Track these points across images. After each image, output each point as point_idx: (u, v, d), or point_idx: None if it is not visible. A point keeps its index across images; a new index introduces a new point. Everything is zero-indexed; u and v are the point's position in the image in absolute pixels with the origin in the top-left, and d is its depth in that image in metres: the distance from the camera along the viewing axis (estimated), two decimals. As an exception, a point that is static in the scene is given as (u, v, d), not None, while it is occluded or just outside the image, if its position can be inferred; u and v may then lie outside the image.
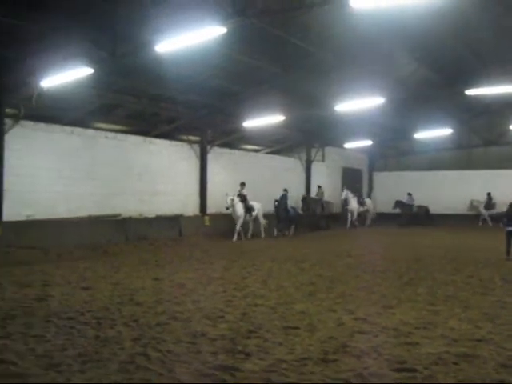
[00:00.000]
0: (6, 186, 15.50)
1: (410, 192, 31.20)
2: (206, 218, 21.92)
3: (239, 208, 20.82)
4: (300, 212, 25.75)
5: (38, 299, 8.94)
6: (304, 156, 29.97)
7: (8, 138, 15.77)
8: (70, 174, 17.14)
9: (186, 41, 11.30)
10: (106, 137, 19.29)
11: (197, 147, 22.96)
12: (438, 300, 8.97)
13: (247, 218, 21.41)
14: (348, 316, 7.74)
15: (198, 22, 10.64)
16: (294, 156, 29.60)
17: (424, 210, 31.56)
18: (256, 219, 22.29)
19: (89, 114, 18.65)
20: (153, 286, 10.31)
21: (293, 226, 24.09)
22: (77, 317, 7.74)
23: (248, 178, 22.80)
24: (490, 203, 30.49)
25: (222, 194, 20.76)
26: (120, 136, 19.90)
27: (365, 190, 34.97)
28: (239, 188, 21.64)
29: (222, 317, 7.76)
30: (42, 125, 16.99)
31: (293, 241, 21.31)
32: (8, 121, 15.84)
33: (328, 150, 31.65)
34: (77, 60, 13.09)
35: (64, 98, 15.85)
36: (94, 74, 13.48)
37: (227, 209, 20.43)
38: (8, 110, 15.93)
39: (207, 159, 23.11)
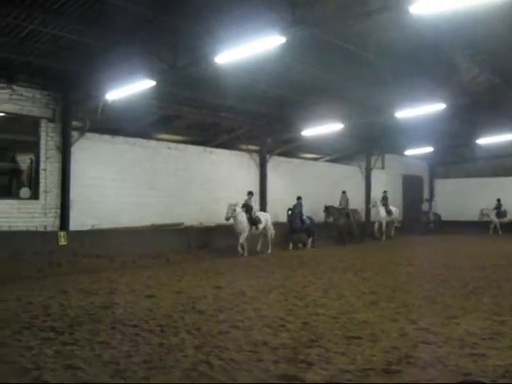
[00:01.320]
0: (72, 196, 16.05)
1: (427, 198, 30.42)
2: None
3: (242, 220, 18.37)
4: (316, 222, 22.78)
5: (103, 307, 9.16)
6: (363, 164, 29.69)
7: (74, 150, 16.36)
8: (133, 184, 17.57)
9: (246, 51, 11.40)
10: (169, 147, 19.74)
11: (256, 156, 23.15)
12: (504, 310, 8.70)
13: (253, 231, 18.84)
14: (411, 326, 7.61)
15: (258, 32, 10.72)
16: (354, 164, 29.38)
17: (438, 218, 31.17)
18: (264, 232, 19.62)
19: (150, 126, 19.06)
20: (214, 295, 10.41)
21: (311, 238, 21.77)
22: (141, 324, 7.89)
23: (307, 187, 22.83)
24: (500, 210, 29.64)
25: (282, 204, 20.80)
26: (181, 146, 20.30)
27: (425, 197, 34.24)
28: (246, 197, 19.42)
29: (284, 326, 7.75)
30: (106, 137, 17.55)
31: (350, 250, 20.90)
32: (74, 133, 16.45)
33: (388, 157, 31.25)
34: (139, 73, 13.42)
35: (127, 110, 16.28)
36: (155, 85, 13.78)
37: (227, 219, 17.96)
38: (74, 123, 16.51)
39: (267, 168, 23.23)
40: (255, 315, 8.51)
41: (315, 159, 28.36)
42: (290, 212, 20.78)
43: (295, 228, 20.93)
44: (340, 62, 14.84)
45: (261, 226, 19.16)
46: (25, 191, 15.86)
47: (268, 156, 23.41)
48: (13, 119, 15.97)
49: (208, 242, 18.33)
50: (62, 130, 16.24)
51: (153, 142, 19.37)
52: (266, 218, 19.55)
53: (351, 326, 7.64)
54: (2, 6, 11.08)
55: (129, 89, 14.09)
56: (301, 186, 22.67)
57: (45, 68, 14.90)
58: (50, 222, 15.53)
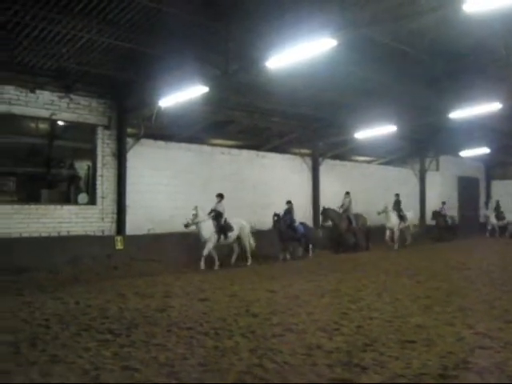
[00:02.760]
0: (128, 201, 16.41)
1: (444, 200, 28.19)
2: (319, 230, 21.83)
3: (206, 227, 15.87)
4: (313, 228, 21.06)
5: (159, 310, 9.32)
6: (417, 166, 29.22)
7: (129, 156, 16.73)
8: (186, 189, 17.81)
9: (297, 55, 11.41)
10: (222, 152, 19.98)
11: (309, 160, 23.13)
12: None
13: (221, 240, 16.26)
14: (467, 330, 7.48)
15: (308, 35, 10.71)
16: (407, 166, 28.95)
17: (453, 221, 28.88)
18: (239, 241, 17.15)
19: (204, 131, 19.29)
20: (268, 298, 10.45)
21: (310, 246, 19.47)
22: (196, 327, 8.00)
23: (360, 190, 22.68)
24: (499, 212, 28.43)
25: (336, 207, 20.71)
26: (234, 151, 20.50)
27: (482, 199, 33.42)
28: (216, 200, 16.81)
29: (338, 329, 7.74)
30: (160, 143, 17.89)
31: (403, 253, 20.51)
32: (129, 140, 16.82)
33: (442, 159, 30.65)
34: (192, 79, 13.59)
35: (180, 116, 16.52)
36: (208, 91, 13.94)
37: (186, 227, 15.49)
38: (129, 130, 16.90)
39: (319, 171, 23.17)
40: (309, 319, 8.51)
41: (368, 162, 28.10)
42: (275, 218, 17.97)
43: (284, 237, 18.30)
44: (392, 62, 14.67)
45: (232, 235, 16.60)
46: (83, 197, 16.30)
47: (320, 159, 23.36)
48: (71, 127, 16.46)
49: (259, 246, 18.34)
50: (118, 136, 16.65)
51: (206, 147, 19.64)
52: (240, 226, 16.88)
53: (406, 330, 7.57)
54: (60, 16, 11.44)
55: (182, 95, 14.29)
56: (353, 189, 22.47)
57: (101, 76, 15.31)
58: (107, 226, 15.89)
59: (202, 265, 15.50)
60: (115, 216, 16.39)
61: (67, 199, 16.33)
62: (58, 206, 15.37)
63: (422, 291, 11.00)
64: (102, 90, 16.19)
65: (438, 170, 30.57)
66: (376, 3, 10.77)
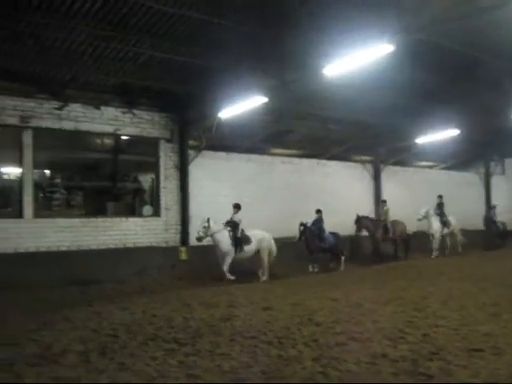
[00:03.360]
0: (191, 212, 16.71)
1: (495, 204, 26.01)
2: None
3: (223, 240, 15.10)
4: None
5: (223, 319, 9.40)
6: (482, 170, 28.46)
7: (191, 168, 17.06)
8: (248, 199, 17.93)
9: (353, 62, 11.38)
10: (282, 162, 20.08)
11: (370, 167, 22.95)
12: None
13: (238, 254, 15.33)
14: (538, 339, 7.24)
15: (365, 42, 10.67)
16: (472, 170, 28.23)
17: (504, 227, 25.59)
18: (259, 254, 15.88)
19: (263, 141, 19.42)
20: (331, 307, 10.37)
21: (343, 258, 18.11)
22: (259, 336, 8.03)
23: (423, 196, 22.19)
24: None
25: (399, 214, 20.31)
26: (295, 160, 20.58)
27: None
28: (232, 211, 15.95)
29: (403, 338, 7.61)
30: (221, 154, 18.16)
31: (461, 260, 19.30)
32: (191, 152, 17.17)
33: (508, 161, 29.72)
34: (251, 90, 13.75)
35: (240, 127, 16.70)
36: (267, 102, 14.05)
37: (198, 240, 14.97)
38: (191, 142, 17.24)
39: (381, 178, 22.93)
40: (373, 327, 8.41)
41: (430, 167, 27.56)
42: (302, 228, 17.18)
43: (312, 248, 17.45)
44: (452, 64, 14.41)
45: (249, 248, 15.54)
46: (147, 209, 16.69)
47: (382, 166, 23.12)
48: (134, 141, 16.95)
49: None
50: (180, 149, 17.02)
51: (266, 157, 19.77)
52: (259, 238, 15.78)
53: (473, 338, 7.38)
54: (121, 34, 11.81)
55: (241, 106, 14.46)
56: (416, 195, 22.11)
57: (162, 91, 15.71)
58: (171, 237, 16.20)
59: (228, 277, 14.77)
60: (179, 227, 16.71)
61: (132, 211, 16.77)
62: (124, 219, 15.80)
63: (488, 298, 10.68)
64: (164, 103, 16.57)
65: (503, 173, 29.64)
66: (432, 5, 10.61)
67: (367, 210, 21.75)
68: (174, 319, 9.51)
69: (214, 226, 14.96)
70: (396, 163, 24.27)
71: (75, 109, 15.04)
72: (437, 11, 10.93)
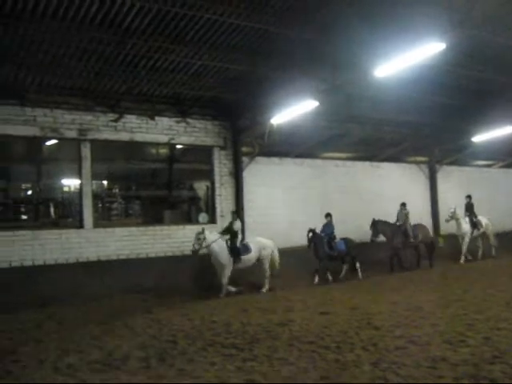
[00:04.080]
0: (246, 218, 16.82)
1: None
2: (440, 238, 21.08)
3: (220, 251, 14.16)
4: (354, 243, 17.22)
5: (280, 324, 9.45)
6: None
7: (245, 175, 17.19)
8: (302, 204, 17.95)
9: (405, 62, 11.25)
10: (336, 165, 19.99)
11: (425, 167, 22.62)
12: None
13: (236, 264, 14.36)
14: None
15: (416, 41, 10.53)
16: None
17: None
18: (261, 264, 14.98)
19: (316, 145, 19.36)
20: (389, 310, 10.29)
21: (358, 265, 16.78)
22: (317, 341, 8.04)
23: (481, 196, 21.64)
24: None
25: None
26: (348, 163, 20.46)
27: None
28: (231, 216, 15.45)
29: (464, 341, 7.49)
30: (274, 159, 18.23)
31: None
32: (245, 158, 17.32)
33: None
34: (302, 95, 13.76)
35: (293, 132, 16.73)
36: (318, 105, 14.04)
37: (194, 253, 13.99)
38: (244, 149, 17.37)
39: (437, 179, 22.54)
40: (433, 330, 8.31)
41: (488, 166, 26.82)
42: (310, 234, 15.95)
43: (320, 255, 16.16)
44: (507, 62, 14.05)
45: (248, 258, 14.58)
46: (203, 216, 16.89)
47: (437, 166, 22.72)
48: (188, 150, 17.21)
49: (380, 258, 18.00)
50: (234, 156, 17.18)
51: (319, 161, 19.73)
52: (260, 246, 14.91)
53: (537, 341, 7.19)
54: (173, 46, 12.04)
55: (293, 111, 14.48)
56: (474, 195, 21.54)
57: (214, 99, 15.90)
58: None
59: (229, 289, 14.05)
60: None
61: (189, 219, 17.01)
62: (181, 226, 16.04)
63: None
64: (216, 112, 16.78)
65: None
66: (484, 2, 10.35)
67: (423, 211, 21.42)
68: (231, 325, 9.62)
69: (209, 236, 14.07)
70: (452, 163, 23.76)
71: (131, 120, 15.40)
72: (490, 7, 10.69)
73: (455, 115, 18.89)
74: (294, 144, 18.46)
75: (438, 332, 8.18)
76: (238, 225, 14.88)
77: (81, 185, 14.81)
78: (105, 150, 15.32)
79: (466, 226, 19.67)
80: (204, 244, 13.89)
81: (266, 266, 14.88)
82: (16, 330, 10.21)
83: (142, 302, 13.00)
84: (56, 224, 14.95)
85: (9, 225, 14.17)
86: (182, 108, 16.13)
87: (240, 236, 14.73)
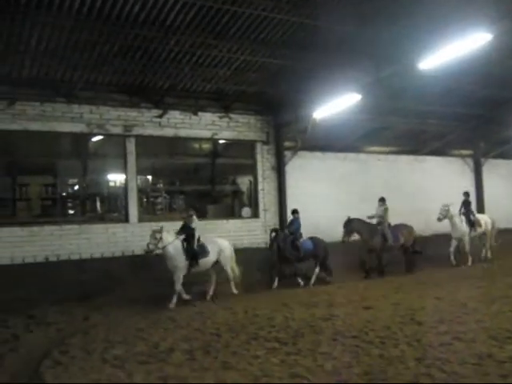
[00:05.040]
0: (288, 213, 16.83)
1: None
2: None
3: (175, 253, 12.45)
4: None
5: (323, 318, 9.46)
6: None
7: (288, 169, 17.21)
8: (344, 197, 17.84)
9: (450, 54, 11.07)
10: (379, 159, 19.81)
11: (470, 161, 22.22)
12: None
13: (194, 268, 12.66)
14: None
15: (461, 32, 10.37)
16: None
17: None
18: (217, 267, 13.36)
19: (359, 139, 19.23)
20: (433, 306, 10.20)
21: (316, 270, 14.93)
22: (360, 336, 8.03)
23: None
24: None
25: (503, 209, 19.27)
26: (391, 157, 20.25)
27: None
28: (185, 215, 13.83)
29: (510, 338, 7.38)
30: (317, 153, 18.18)
31: None
32: (287, 153, 17.32)
33: None
34: (344, 88, 13.70)
35: (335, 126, 16.63)
36: (361, 99, 13.95)
37: (147, 253, 12.29)
38: (286, 143, 17.38)
39: (482, 172, 22.11)
40: (478, 326, 8.21)
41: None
42: (273, 234, 14.52)
43: (285, 257, 14.48)
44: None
45: (205, 261, 12.93)
46: (246, 211, 17.00)
47: (483, 160, 22.27)
48: (231, 145, 17.33)
49: (425, 253, 17.72)
50: (276, 150, 17.24)
51: (362, 155, 19.59)
52: (218, 249, 13.28)
53: None
54: (216, 41, 12.14)
55: (335, 105, 14.44)
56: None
57: (257, 94, 15.94)
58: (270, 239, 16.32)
59: (184, 297, 12.37)
60: (277, 228, 16.88)
61: (232, 213, 17.15)
62: (224, 221, 16.17)
63: None
64: (259, 107, 16.83)
65: None
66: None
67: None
68: (274, 319, 9.69)
69: (167, 237, 12.41)
70: (498, 156, 23.22)
71: (174, 116, 15.59)
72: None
73: (502, 107, 18.51)
74: (336, 138, 18.36)
75: (483, 328, 8.08)
76: (195, 223, 13.08)
77: (126, 180, 15.09)
78: (149, 146, 15.55)
79: (462, 225, 17.54)
80: (160, 244, 12.22)
81: (228, 268, 13.30)
82: (64, 322, 10.50)
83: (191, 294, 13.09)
84: (102, 218, 15.25)
85: (57, 219, 14.52)
86: (224, 103, 16.24)
87: (197, 236, 12.96)
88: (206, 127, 16.12)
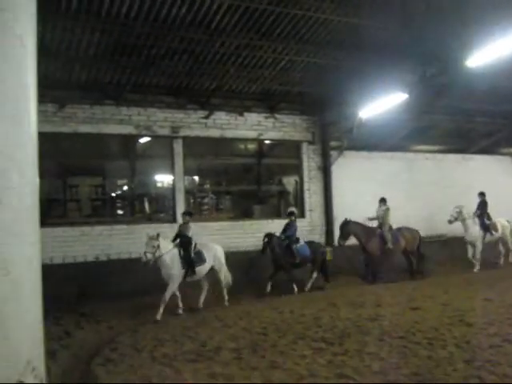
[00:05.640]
0: (335, 213, 16.82)
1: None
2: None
3: (173, 262, 11.48)
4: (326, 248, 15.00)
5: (370, 319, 9.42)
6: None
7: (334, 169, 17.17)
8: (391, 197, 17.63)
9: (498, 51, 10.83)
10: (426, 158, 19.56)
11: (519, 160, 21.72)
12: None
13: (190, 277, 11.78)
14: None
15: (510, 28, 10.18)
16: None
17: None
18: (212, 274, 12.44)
19: (405, 138, 19.01)
20: (483, 307, 10.03)
21: (314, 275, 14.19)
22: (408, 336, 7.97)
23: None
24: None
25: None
26: (439, 156, 19.97)
27: None
28: (182, 219, 12.91)
29: None
30: (363, 153, 18.05)
31: None
32: (333, 153, 17.28)
33: None
34: (390, 87, 13.61)
35: (381, 125, 16.48)
36: (407, 98, 13.81)
37: (145, 264, 11.05)
38: (332, 143, 17.35)
39: (532, 172, 21.60)
40: (529, 329, 8.03)
41: None
42: (266, 239, 13.58)
43: (280, 263, 13.65)
44: None
45: (201, 269, 11.98)
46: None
47: (533, 158, 21.75)
48: (277, 145, 17.41)
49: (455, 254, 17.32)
50: (322, 150, 17.24)
51: (409, 154, 19.37)
52: (214, 255, 12.36)
53: None
54: (261, 42, 12.21)
55: (381, 104, 14.35)
56: None
57: (302, 94, 15.97)
58: (316, 238, 16.24)
59: (160, 314, 10.84)
60: (323, 228, 16.89)
61: (277, 214, 17.19)
62: (270, 221, 16.21)
63: None
64: (304, 106, 16.84)
65: None
66: None
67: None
68: (321, 318, 9.69)
69: (164, 244, 11.44)
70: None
71: (220, 117, 15.75)
72: None
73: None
74: (382, 137, 18.21)
75: (536, 331, 7.91)
76: (190, 230, 12.19)
77: (173, 180, 15.32)
78: (196, 147, 15.75)
79: (475, 228, 16.38)
80: (157, 253, 11.14)
81: (222, 276, 12.40)
82: (114, 320, 10.73)
83: (232, 294, 13.19)
84: (150, 219, 15.51)
85: (107, 220, 14.85)
86: (270, 103, 16.31)
87: (193, 243, 12.07)
88: (252, 128, 16.22)
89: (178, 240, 11.97)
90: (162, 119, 14.99)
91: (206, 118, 15.53)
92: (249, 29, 11.70)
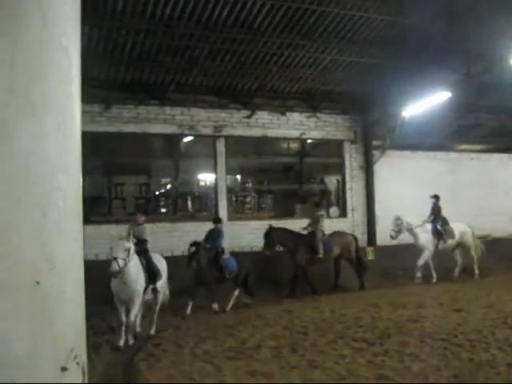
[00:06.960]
0: (377, 212, 16.69)
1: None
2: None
3: (135, 273, 8.85)
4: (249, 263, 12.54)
5: (411, 320, 9.35)
6: None
7: (376, 169, 17.04)
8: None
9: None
10: (471, 158, 19.21)
11: None
12: None
13: (150, 291, 9.46)
14: None
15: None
16: None
17: None
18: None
19: (449, 137, 18.77)
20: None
21: (236, 293, 12.02)
22: (450, 338, 7.89)
23: None
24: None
25: None
26: (484, 156, 19.59)
27: None
28: (128, 227, 9.61)
29: None
30: (406, 153, 17.84)
31: None
32: (375, 152, 17.15)
33: None
34: (433, 86, 13.45)
35: (424, 124, 16.28)
36: (451, 96, 13.64)
37: (114, 276, 8.45)
38: (375, 142, 17.23)
39: None
40: None
41: None
42: (193, 249, 11.40)
43: (202, 279, 11.46)
44: None
45: (159, 284, 9.70)
46: (334, 210, 16.97)
47: None
48: (319, 144, 17.41)
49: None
50: (364, 150, 17.14)
51: (453, 154, 19.06)
52: (164, 265, 10.21)
53: None
54: (303, 41, 12.25)
55: (425, 103, 14.21)
56: None
57: (344, 93, 15.91)
58: (358, 238, 16.23)
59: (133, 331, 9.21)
60: (365, 227, 16.78)
61: (320, 213, 17.15)
62: (311, 220, 16.19)
63: None
64: (346, 106, 16.77)
65: None
66: None
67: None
68: (362, 318, 9.67)
69: (129, 246, 8.65)
70: None
71: (262, 116, 15.82)
72: None
73: None
74: (425, 136, 17.99)
75: None
76: (144, 231, 9.98)
77: (216, 179, 15.46)
78: (238, 146, 15.87)
79: (425, 236, 15.00)
80: (128, 260, 8.57)
81: (167, 291, 10.61)
82: (157, 316, 10.87)
83: (275, 292, 13.23)
84: (193, 217, 15.67)
85: (150, 217, 15.04)
86: (312, 103, 16.30)
87: (148, 247, 9.92)
88: (294, 127, 16.25)
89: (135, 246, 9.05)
90: (205, 119, 15.16)
91: (249, 117, 15.63)
92: (291, 28, 11.77)
